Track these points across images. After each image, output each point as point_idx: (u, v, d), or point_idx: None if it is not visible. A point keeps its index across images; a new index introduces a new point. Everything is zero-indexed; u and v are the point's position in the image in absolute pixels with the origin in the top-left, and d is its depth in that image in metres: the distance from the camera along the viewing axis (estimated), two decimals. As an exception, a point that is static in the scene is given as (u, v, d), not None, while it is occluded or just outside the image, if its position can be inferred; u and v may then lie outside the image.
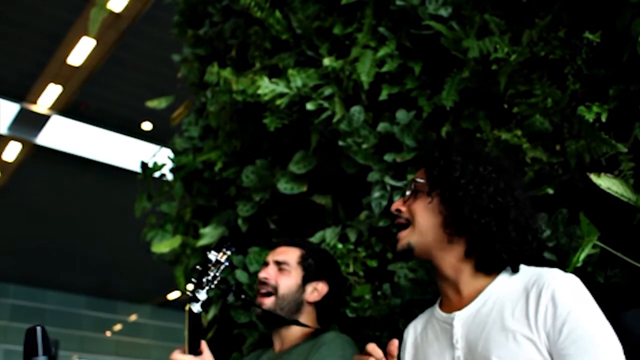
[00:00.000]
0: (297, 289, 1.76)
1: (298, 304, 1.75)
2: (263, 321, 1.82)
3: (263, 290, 1.76)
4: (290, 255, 1.80)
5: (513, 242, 1.26)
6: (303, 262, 1.79)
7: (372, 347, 1.20)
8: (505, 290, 1.25)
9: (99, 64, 8.98)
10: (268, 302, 1.74)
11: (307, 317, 1.77)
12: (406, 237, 1.35)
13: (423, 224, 1.33)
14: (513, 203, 1.28)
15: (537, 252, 1.32)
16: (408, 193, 1.38)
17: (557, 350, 1.14)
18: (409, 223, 1.35)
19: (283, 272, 1.77)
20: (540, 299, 1.17)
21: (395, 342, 1.19)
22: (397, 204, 1.39)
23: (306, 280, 1.78)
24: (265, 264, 1.83)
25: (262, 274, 1.78)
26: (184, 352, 1.47)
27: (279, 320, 1.74)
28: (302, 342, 1.73)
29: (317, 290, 1.78)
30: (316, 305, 1.78)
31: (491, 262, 1.29)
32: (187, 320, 1.45)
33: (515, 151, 1.63)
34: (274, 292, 1.75)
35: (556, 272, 1.22)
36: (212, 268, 1.47)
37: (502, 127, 1.69)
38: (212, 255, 1.47)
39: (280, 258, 1.80)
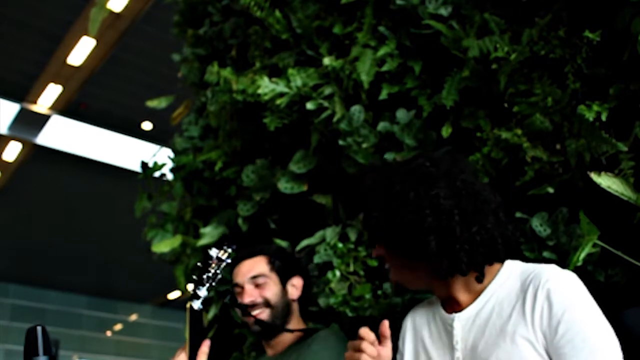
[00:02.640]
0: (282, 293, 1.78)
1: (287, 305, 1.78)
2: (261, 332, 1.79)
3: (255, 311, 1.74)
4: (259, 266, 1.80)
5: (437, 250, 1.23)
6: (273, 266, 1.80)
7: (364, 332, 1.20)
8: (504, 290, 1.25)
9: (99, 64, 8.99)
10: (264, 315, 1.75)
11: (295, 314, 1.80)
12: (392, 277, 1.38)
13: (393, 265, 1.36)
14: (430, 210, 1.23)
15: (487, 236, 1.24)
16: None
17: (554, 349, 1.14)
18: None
19: (261, 285, 1.77)
20: (537, 299, 1.17)
21: (386, 322, 1.20)
22: (375, 252, 1.39)
23: (284, 281, 1.80)
24: (237, 286, 1.79)
25: (247, 299, 1.75)
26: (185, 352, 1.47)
27: (276, 329, 1.74)
28: (294, 342, 1.74)
29: (295, 286, 1.81)
30: (298, 300, 1.82)
31: (444, 272, 1.27)
32: (188, 317, 1.45)
33: (516, 150, 1.63)
34: (266, 306, 1.75)
35: (552, 269, 1.21)
36: (213, 265, 1.47)
37: (503, 126, 1.69)
38: (213, 253, 1.47)
39: (253, 273, 1.78)
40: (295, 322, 1.78)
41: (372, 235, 1.37)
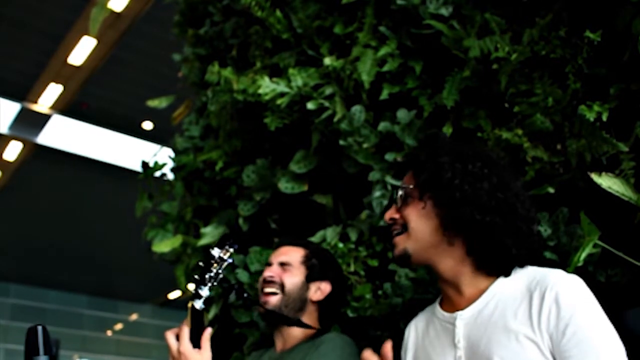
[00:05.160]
0: (302, 287, 1.77)
1: (302, 301, 1.76)
2: (266, 320, 1.82)
3: (268, 289, 1.76)
4: (293, 255, 1.81)
5: (524, 235, 1.25)
6: (306, 261, 1.80)
7: (368, 354, 1.18)
8: (508, 290, 1.25)
9: (99, 63, 9.00)
10: (274, 299, 1.75)
11: (309, 316, 1.78)
12: (402, 243, 1.33)
13: (418, 229, 1.31)
14: (514, 198, 1.26)
15: (539, 243, 1.31)
16: (398, 200, 1.35)
17: (560, 352, 1.13)
18: (404, 229, 1.33)
19: (287, 271, 1.78)
20: (544, 300, 1.17)
21: (389, 343, 1.18)
22: (390, 213, 1.36)
23: (310, 279, 1.78)
24: (269, 264, 1.83)
25: (267, 273, 1.78)
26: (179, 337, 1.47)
27: (282, 319, 1.74)
28: (303, 341, 1.73)
29: (320, 289, 1.79)
30: (319, 304, 1.79)
31: (495, 259, 1.27)
32: (190, 317, 1.45)
33: (516, 150, 1.63)
34: (280, 289, 1.75)
35: (560, 273, 1.21)
36: (215, 265, 1.47)
37: (503, 126, 1.69)
38: (215, 252, 1.47)
39: (283, 259, 1.80)
40: (309, 323, 1.77)
41: (424, 192, 1.31)
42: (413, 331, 1.42)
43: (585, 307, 1.16)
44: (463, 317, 1.27)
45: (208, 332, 1.46)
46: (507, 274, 1.28)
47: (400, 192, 1.35)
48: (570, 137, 1.55)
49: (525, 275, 1.25)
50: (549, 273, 1.22)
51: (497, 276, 1.28)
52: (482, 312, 1.25)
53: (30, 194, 11.39)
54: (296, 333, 1.76)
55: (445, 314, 1.32)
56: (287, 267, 1.78)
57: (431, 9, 1.87)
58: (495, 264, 1.28)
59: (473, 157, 1.31)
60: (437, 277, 1.35)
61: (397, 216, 1.34)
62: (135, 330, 16.43)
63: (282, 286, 1.75)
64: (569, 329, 1.13)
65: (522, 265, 1.29)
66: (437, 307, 1.37)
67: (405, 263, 1.34)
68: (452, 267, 1.30)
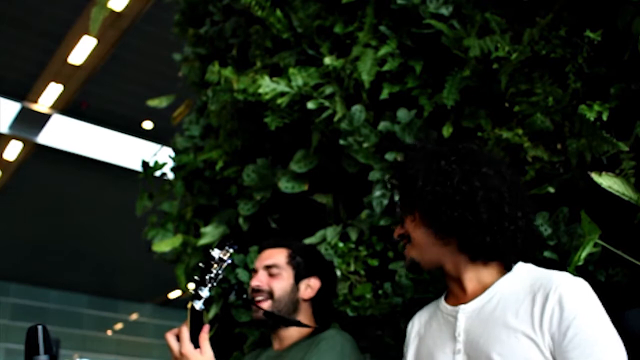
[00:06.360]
0: (292, 289, 1.77)
1: (294, 303, 1.77)
2: (263, 324, 1.80)
3: (258, 297, 1.76)
4: (277, 257, 1.81)
5: (487, 222, 1.24)
6: (291, 261, 1.80)
7: None
8: (512, 288, 1.25)
9: (99, 63, 8.99)
10: (265, 305, 1.75)
11: (304, 314, 1.78)
12: (408, 254, 1.39)
13: (418, 238, 1.36)
14: (480, 183, 1.26)
15: (527, 226, 1.29)
16: (400, 216, 1.42)
17: (561, 352, 1.14)
18: (409, 241, 1.39)
19: (274, 276, 1.77)
20: (547, 301, 1.17)
21: None
22: (397, 231, 1.42)
23: (298, 278, 1.79)
24: (254, 271, 1.82)
25: (254, 282, 1.78)
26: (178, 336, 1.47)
27: (279, 321, 1.74)
28: (302, 339, 1.74)
29: (310, 286, 1.80)
30: (312, 301, 1.79)
31: (481, 250, 1.28)
32: (189, 317, 1.45)
33: (516, 150, 1.64)
34: (269, 297, 1.75)
35: (565, 275, 1.22)
36: (215, 266, 1.47)
37: (503, 126, 1.69)
38: (215, 253, 1.47)
39: (268, 262, 1.80)
40: (304, 321, 1.77)
41: (409, 205, 1.36)
42: (417, 324, 1.43)
43: (588, 310, 1.16)
44: (465, 311, 1.29)
45: (205, 330, 1.46)
46: (506, 265, 1.29)
47: (397, 208, 1.42)
48: (571, 136, 1.56)
49: (530, 275, 1.26)
50: (554, 275, 1.23)
51: (497, 270, 1.30)
52: (484, 307, 1.26)
53: (30, 193, 11.38)
54: (294, 332, 1.76)
55: (448, 306, 1.34)
56: (274, 270, 1.78)
57: (431, 8, 1.87)
58: (485, 256, 1.29)
59: (448, 152, 1.33)
60: (443, 272, 1.37)
61: (402, 231, 1.40)
62: (135, 330, 16.42)
63: (270, 294, 1.75)
64: (571, 330, 1.13)
65: (525, 260, 1.30)
66: (441, 301, 1.39)
67: (418, 270, 1.41)
68: (454, 265, 1.33)
